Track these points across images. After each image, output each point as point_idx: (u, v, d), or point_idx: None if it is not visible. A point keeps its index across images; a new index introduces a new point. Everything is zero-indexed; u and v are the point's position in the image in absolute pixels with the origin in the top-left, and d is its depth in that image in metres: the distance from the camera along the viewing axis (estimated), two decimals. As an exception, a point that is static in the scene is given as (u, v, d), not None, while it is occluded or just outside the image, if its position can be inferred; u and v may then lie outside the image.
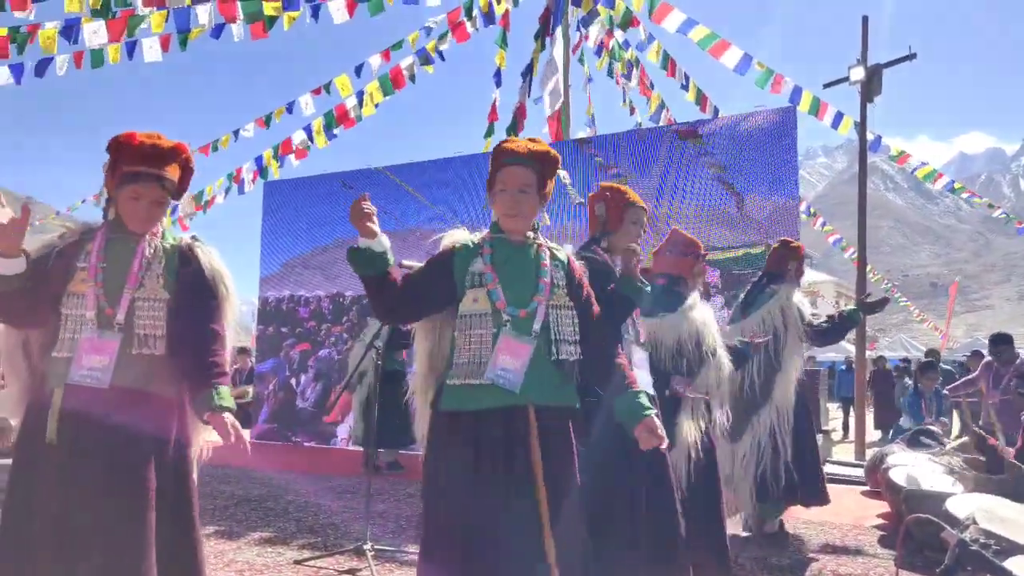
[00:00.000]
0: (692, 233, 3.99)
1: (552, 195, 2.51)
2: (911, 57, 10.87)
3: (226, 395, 2.21)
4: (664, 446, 2.22)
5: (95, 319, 2.22)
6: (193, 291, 2.33)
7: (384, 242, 2.26)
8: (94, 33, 7.14)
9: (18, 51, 7.24)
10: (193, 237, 2.47)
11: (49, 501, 2.09)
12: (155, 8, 7.09)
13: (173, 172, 2.34)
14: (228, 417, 2.17)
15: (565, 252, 2.47)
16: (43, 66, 7.64)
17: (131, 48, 7.62)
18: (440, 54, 9.98)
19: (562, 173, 7.11)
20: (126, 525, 2.10)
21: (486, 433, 2.15)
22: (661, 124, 10.39)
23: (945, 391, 8.33)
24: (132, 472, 2.14)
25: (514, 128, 10.62)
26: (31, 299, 2.21)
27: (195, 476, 2.35)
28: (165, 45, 7.79)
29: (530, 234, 2.38)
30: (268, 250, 9.54)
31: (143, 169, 2.27)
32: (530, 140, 2.39)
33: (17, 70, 7.63)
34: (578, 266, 2.46)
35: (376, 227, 2.25)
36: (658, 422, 2.23)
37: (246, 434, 2.26)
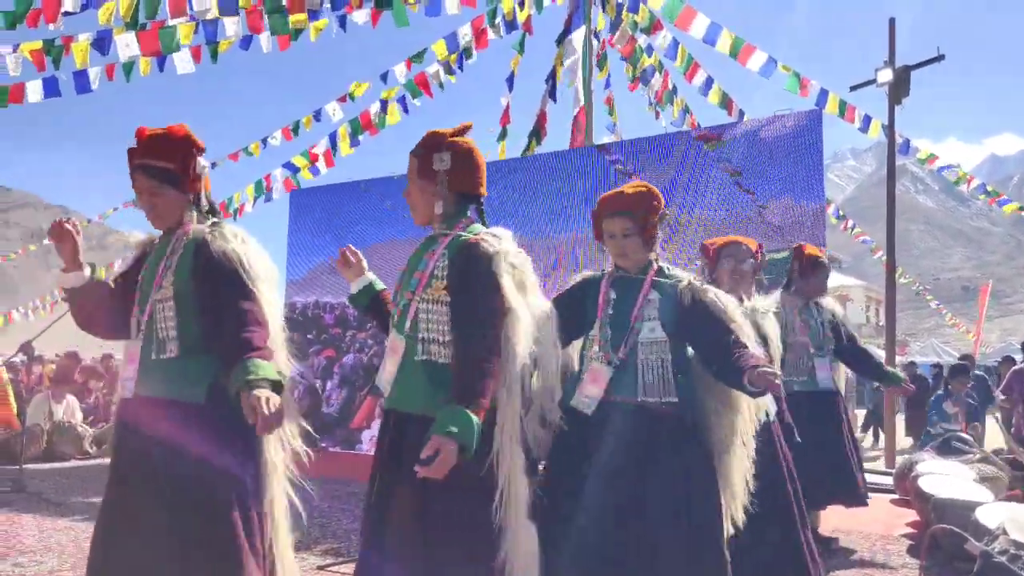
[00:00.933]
0: (712, 239, 3.96)
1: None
2: (939, 58, 10.72)
3: (260, 368, 1.95)
4: (428, 473, 1.78)
5: (135, 328, 2.26)
6: (210, 280, 2.17)
7: (364, 279, 2.41)
8: (126, 46, 7.29)
9: (55, 65, 7.40)
10: (213, 223, 2.30)
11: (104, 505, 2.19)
12: (184, 19, 7.21)
13: (163, 159, 2.24)
14: (259, 393, 1.89)
15: (475, 238, 2.12)
16: (81, 80, 7.81)
17: (162, 60, 7.76)
18: (460, 64, 10.06)
19: None
20: (139, 529, 2.05)
21: (380, 437, 2.20)
22: (685, 128, 10.35)
23: (998, 395, 8.21)
24: (144, 481, 2.08)
25: (537, 134, 10.66)
26: (112, 314, 2.32)
27: (226, 485, 2.10)
28: (197, 56, 7.94)
29: (439, 226, 2.23)
30: (294, 257, 9.64)
31: (132, 163, 2.27)
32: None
33: (50, 84, 7.80)
34: (476, 252, 2.07)
35: (351, 270, 2.43)
36: (443, 445, 1.79)
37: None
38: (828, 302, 4.76)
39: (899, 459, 7.99)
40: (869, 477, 7.29)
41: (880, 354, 17.79)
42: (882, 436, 11.52)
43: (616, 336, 2.62)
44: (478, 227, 2.21)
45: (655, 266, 2.72)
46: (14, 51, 7.28)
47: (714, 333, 2.54)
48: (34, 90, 7.71)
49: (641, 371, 2.58)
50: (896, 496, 6.34)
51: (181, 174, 2.27)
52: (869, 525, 5.22)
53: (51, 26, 6.58)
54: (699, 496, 2.49)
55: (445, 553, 1.94)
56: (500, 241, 2.12)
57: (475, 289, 2.04)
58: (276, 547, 2.23)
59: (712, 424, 2.61)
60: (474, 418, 1.85)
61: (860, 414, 15.04)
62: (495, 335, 1.98)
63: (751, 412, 2.65)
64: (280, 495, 2.31)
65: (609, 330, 2.64)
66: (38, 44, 7.40)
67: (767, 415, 3.15)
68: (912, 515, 5.52)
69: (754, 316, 3.48)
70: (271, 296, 2.25)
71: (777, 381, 2.25)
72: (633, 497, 2.46)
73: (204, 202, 2.35)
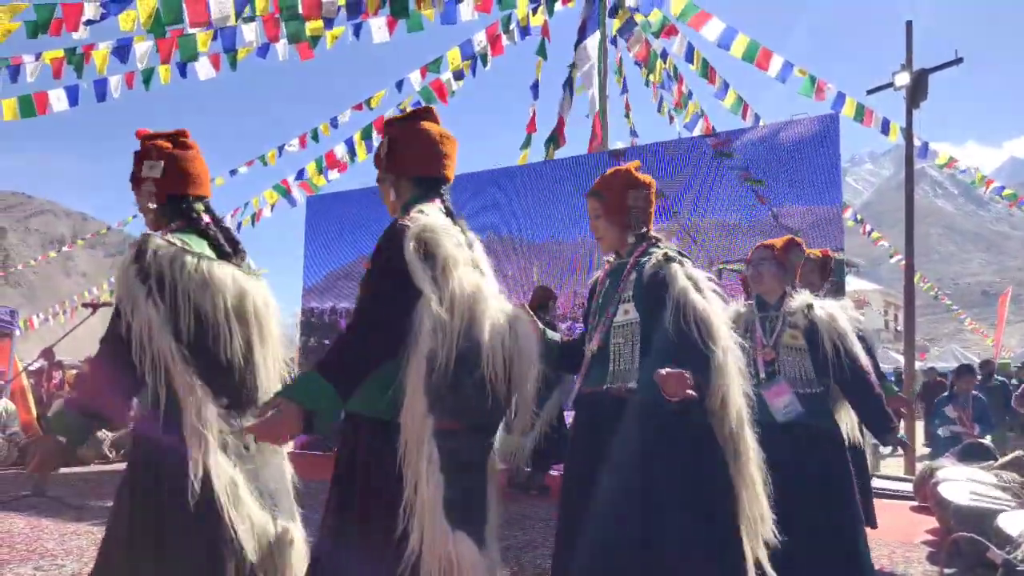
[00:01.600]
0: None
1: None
2: (958, 61, 10.64)
3: (52, 415, 2.10)
4: (254, 431, 1.80)
5: None
6: None
7: None
8: (145, 54, 7.39)
9: (77, 73, 7.52)
10: (145, 235, 2.27)
11: None
12: (202, 28, 7.29)
13: (133, 164, 2.37)
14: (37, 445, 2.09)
15: (400, 218, 2.03)
16: (101, 88, 7.92)
17: (183, 67, 7.86)
18: (473, 70, 10.10)
19: None
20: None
21: None
22: (699, 133, 10.33)
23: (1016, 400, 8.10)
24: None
25: (555, 139, 10.67)
26: None
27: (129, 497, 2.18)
28: (216, 64, 8.04)
29: (400, 215, 2.15)
30: (311, 262, 9.71)
31: None
32: None
33: (72, 92, 7.94)
34: (389, 231, 2.00)
35: None
36: (281, 405, 1.77)
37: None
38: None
39: (918, 466, 7.90)
40: (888, 484, 7.24)
41: (899, 359, 17.56)
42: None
43: (597, 323, 2.53)
44: (423, 207, 2.06)
45: (642, 246, 2.54)
46: (36, 59, 7.40)
47: (657, 311, 2.31)
48: (58, 98, 7.84)
49: (613, 358, 2.43)
50: (915, 503, 6.27)
51: (136, 178, 2.35)
52: (888, 533, 5.16)
53: (74, 35, 6.67)
54: (673, 496, 2.21)
55: (340, 556, 1.91)
56: (421, 216, 1.98)
57: (375, 267, 1.98)
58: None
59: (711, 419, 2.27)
60: (329, 386, 1.80)
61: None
62: (380, 312, 1.91)
63: (737, 408, 2.25)
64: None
65: (596, 319, 2.55)
66: (59, 52, 7.51)
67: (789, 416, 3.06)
68: (932, 522, 5.46)
69: (795, 317, 3.23)
70: (181, 305, 2.19)
71: (687, 391, 2.10)
72: (587, 494, 2.32)
73: (159, 208, 2.35)
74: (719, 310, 2.33)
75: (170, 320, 2.13)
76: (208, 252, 2.31)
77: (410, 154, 2.15)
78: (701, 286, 2.33)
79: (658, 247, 2.50)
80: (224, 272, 2.27)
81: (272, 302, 2.43)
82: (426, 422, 1.85)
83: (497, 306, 2.02)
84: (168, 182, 2.33)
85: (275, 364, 2.37)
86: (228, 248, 2.39)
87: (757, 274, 3.38)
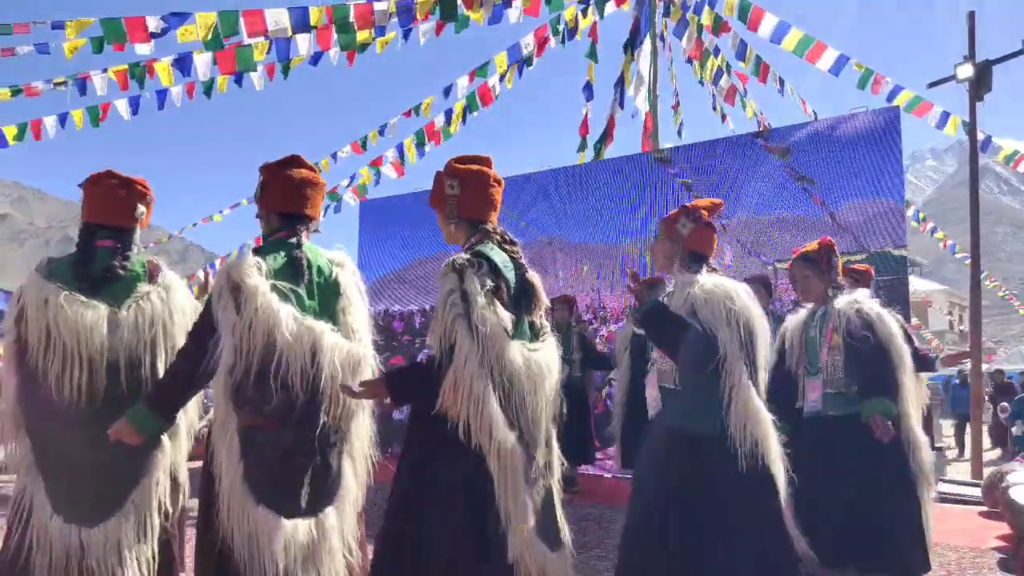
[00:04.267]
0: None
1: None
2: (1023, 51, 10.22)
3: None
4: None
5: None
6: None
7: None
8: (206, 65, 7.62)
9: (139, 84, 7.80)
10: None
11: None
12: (260, 38, 7.47)
13: None
14: None
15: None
16: (163, 98, 8.21)
17: (239, 77, 8.07)
18: (520, 73, 10.12)
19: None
20: None
21: None
22: (748, 132, 10.17)
23: None
24: None
25: (604, 140, 10.64)
26: None
27: None
28: (270, 74, 8.23)
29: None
30: (364, 266, 9.83)
31: None
32: None
33: (134, 102, 8.25)
34: None
35: None
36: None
37: None
38: (845, 301, 3.67)
39: (987, 470, 7.62)
40: (956, 489, 6.95)
41: (965, 362, 16.92)
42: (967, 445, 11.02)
43: None
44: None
45: (470, 243, 2.47)
46: (103, 73, 7.69)
47: None
48: (121, 108, 8.16)
49: None
50: (985, 508, 6.06)
51: None
52: (957, 538, 5.00)
53: (147, 47, 6.89)
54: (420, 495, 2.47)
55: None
56: (240, 256, 2.37)
57: None
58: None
59: None
60: (147, 410, 2.40)
61: (945, 424, 14.44)
62: (188, 342, 2.39)
63: (470, 412, 2.19)
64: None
65: None
66: (123, 67, 7.79)
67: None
68: (1002, 528, 5.27)
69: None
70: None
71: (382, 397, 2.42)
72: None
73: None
74: (481, 318, 2.21)
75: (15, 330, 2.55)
76: (65, 275, 2.61)
77: (276, 194, 2.52)
78: (468, 292, 2.22)
79: (482, 245, 2.40)
80: (51, 296, 2.52)
81: (118, 331, 2.63)
82: (229, 420, 2.25)
83: (307, 324, 2.33)
84: (82, 210, 2.78)
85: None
86: (85, 274, 2.63)
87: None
